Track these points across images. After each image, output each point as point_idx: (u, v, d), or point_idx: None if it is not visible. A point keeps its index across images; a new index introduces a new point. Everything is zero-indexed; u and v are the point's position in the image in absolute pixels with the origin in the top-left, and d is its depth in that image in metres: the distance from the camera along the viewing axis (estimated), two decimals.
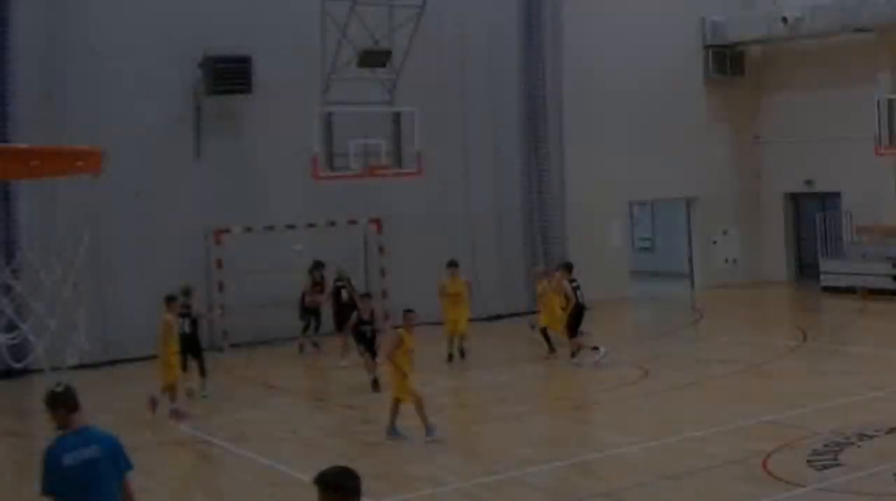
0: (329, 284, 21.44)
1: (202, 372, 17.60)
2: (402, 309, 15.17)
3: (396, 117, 21.54)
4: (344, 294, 20.98)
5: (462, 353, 20.56)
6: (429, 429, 14.23)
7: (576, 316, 19.36)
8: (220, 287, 23.04)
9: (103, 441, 7.56)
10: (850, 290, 27.00)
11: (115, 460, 7.54)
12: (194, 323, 17.61)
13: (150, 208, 22.49)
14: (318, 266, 21.81)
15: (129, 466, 7.64)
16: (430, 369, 19.91)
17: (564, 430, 14.89)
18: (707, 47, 30.31)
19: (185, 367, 17.24)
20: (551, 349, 20.12)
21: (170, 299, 16.63)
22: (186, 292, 17.57)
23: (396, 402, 14.53)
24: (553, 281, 20.27)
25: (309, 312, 21.93)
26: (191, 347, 17.43)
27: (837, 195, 29.40)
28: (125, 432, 15.70)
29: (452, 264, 21.00)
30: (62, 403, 7.46)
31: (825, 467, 12.18)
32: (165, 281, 22.33)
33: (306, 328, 21.98)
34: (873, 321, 23.79)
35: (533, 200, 27.15)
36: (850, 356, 20.24)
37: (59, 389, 7.48)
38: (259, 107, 23.48)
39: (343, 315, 19.91)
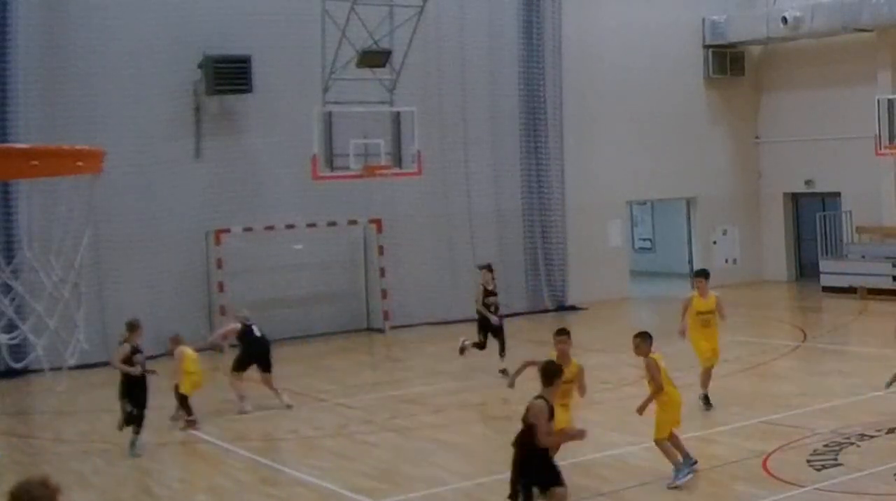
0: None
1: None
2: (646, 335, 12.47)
3: (396, 117, 21.55)
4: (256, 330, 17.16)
5: (707, 399, 15.48)
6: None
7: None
8: (221, 287, 23.04)
9: None
10: (850, 290, 27.01)
11: None
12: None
13: (150, 208, 22.49)
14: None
15: None
16: (430, 369, 19.94)
17: None
18: (707, 47, 30.32)
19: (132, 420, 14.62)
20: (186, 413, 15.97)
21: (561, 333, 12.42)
22: (133, 327, 14.83)
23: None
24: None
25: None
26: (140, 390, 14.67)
27: (837, 195, 29.42)
28: (125, 432, 15.80)
29: (703, 274, 15.98)
30: None
31: (825, 467, 12.19)
32: (165, 282, 22.47)
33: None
34: (873, 321, 23.75)
35: (533, 200, 27.14)
36: (850, 356, 20.24)
37: None
38: (259, 107, 23.49)
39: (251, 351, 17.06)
